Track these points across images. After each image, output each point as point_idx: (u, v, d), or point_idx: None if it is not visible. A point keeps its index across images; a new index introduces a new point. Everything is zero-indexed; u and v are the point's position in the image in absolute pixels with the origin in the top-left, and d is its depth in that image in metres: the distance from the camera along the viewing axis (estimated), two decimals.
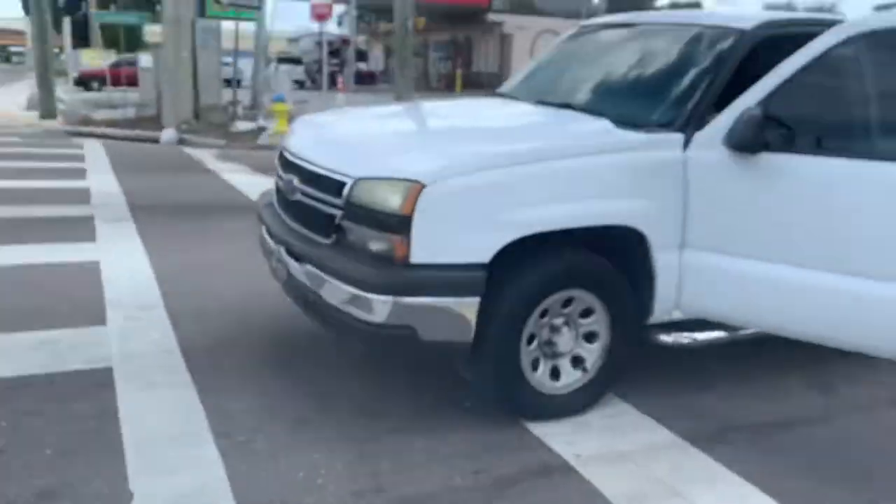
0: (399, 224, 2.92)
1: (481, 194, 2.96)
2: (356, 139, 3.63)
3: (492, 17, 41.01)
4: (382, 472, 2.85)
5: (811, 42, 3.12)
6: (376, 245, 3.01)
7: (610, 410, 3.42)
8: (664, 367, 3.83)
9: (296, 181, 3.49)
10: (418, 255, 2.93)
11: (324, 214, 3.25)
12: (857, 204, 2.96)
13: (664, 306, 3.42)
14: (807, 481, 2.92)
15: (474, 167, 2.97)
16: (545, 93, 4.18)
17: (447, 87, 39.41)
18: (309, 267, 3.24)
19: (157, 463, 2.83)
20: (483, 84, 41.04)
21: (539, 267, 3.11)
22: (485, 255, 2.97)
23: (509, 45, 40.72)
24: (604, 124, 3.42)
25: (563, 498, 2.75)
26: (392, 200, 2.94)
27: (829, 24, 3.59)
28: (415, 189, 2.89)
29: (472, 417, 3.31)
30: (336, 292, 3.08)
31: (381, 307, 2.95)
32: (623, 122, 3.42)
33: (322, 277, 3.15)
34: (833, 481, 2.93)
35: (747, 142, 3.02)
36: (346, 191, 3.10)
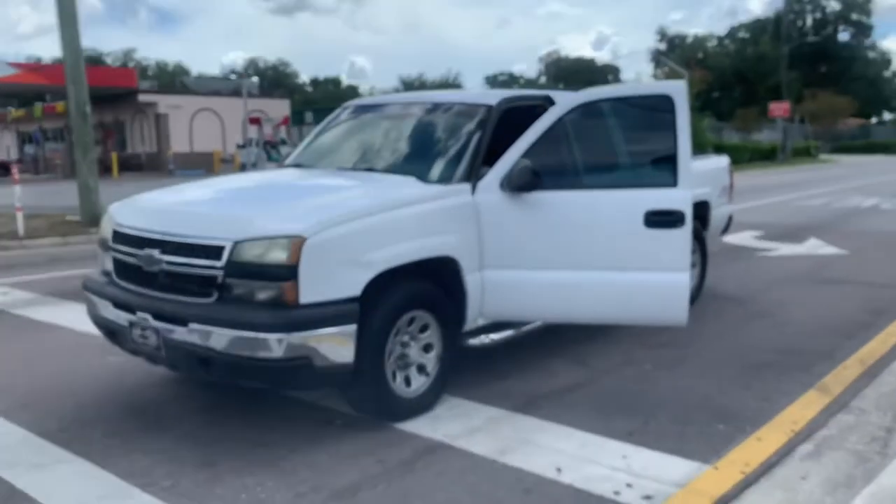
0: (287, 272, 3.54)
1: (349, 241, 3.71)
2: (209, 209, 4.12)
3: (143, 98, 39.90)
4: (309, 478, 3.40)
5: (549, 110, 4.44)
6: (266, 293, 3.58)
7: (449, 404, 4.31)
8: (474, 365, 4.83)
9: (156, 253, 3.85)
10: (306, 295, 3.57)
11: (200, 277, 3.70)
12: (589, 220, 4.30)
13: (473, 315, 4.44)
14: (598, 419, 4.09)
15: (339, 220, 3.72)
16: (340, 161, 5.03)
17: (102, 171, 37.13)
18: (195, 325, 3.65)
19: None
20: (143, 166, 39.61)
21: (392, 294, 3.93)
22: (357, 289, 3.71)
23: (166, 124, 39.93)
24: (412, 180, 4.38)
25: (454, 463, 3.57)
26: (278, 254, 3.55)
27: (544, 98, 5.03)
28: (298, 242, 3.54)
29: (349, 430, 3.96)
30: (231, 340, 3.56)
31: (278, 344, 3.51)
32: (420, 179, 4.42)
33: (212, 331, 3.60)
34: (614, 415, 4.15)
35: (524, 184, 4.21)
36: (225, 253, 3.62)
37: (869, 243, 10.52)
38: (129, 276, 4.09)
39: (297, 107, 50.57)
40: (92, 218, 13.89)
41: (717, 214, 7.01)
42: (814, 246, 10.22)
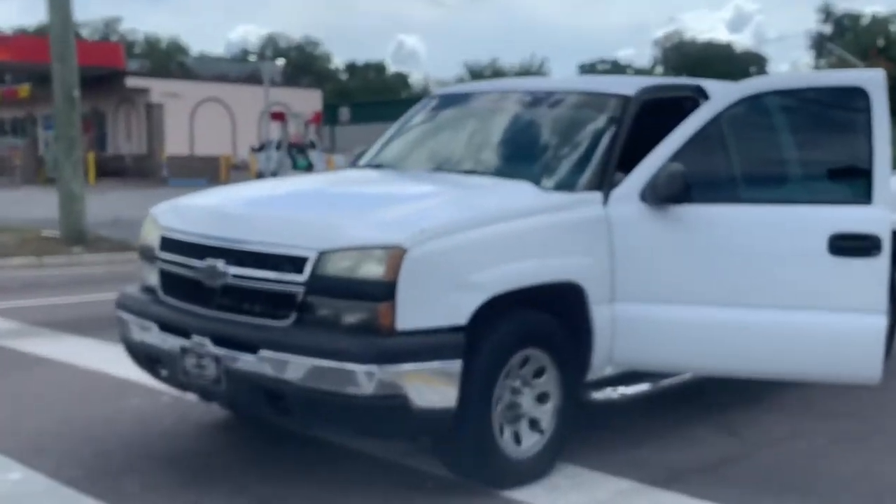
0: (383, 291, 3.95)
1: (456, 256, 4.11)
2: (286, 211, 4.59)
3: (132, 82, 41.32)
4: None
5: (704, 104, 4.81)
6: (356, 315, 4.00)
7: (568, 471, 4.64)
8: (595, 426, 5.15)
9: (220, 265, 4.31)
10: (404, 321, 3.97)
11: (275, 294, 4.15)
12: (754, 244, 4.61)
13: (600, 360, 4.78)
14: (767, 498, 4.37)
15: (446, 230, 4.13)
16: (431, 162, 5.48)
17: None
18: (267, 352, 4.08)
19: None
20: (127, 171, 40.61)
21: (503, 326, 4.30)
22: (463, 316, 4.10)
23: (160, 117, 41.14)
24: (526, 186, 4.78)
25: None
26: (373, 268, 3.98)
27: (694, 89, 5.41)
28: (397, 254, 3.96)
29: (441, 495, 4.33)
30: (310, 371, 3.98)
31: (367, 379, 3.91)
32: (537, 184, 4.82)
33: (288, 360, 4.02)
34: (787, 495, 4.41)
35: (674, 195, 4.55)
36: (308, 265, 4.06)
37: None
38: (183, 292, 4.55)
39: (330, 99, 51.58)
40: (76, 234, 14.70)
41: None
42: None
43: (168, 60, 53.99)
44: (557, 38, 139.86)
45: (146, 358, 4.75)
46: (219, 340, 4.26)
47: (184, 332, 4.42)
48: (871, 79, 4.61)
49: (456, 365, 4.06)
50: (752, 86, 4.90)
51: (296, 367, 4.02)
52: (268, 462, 4.74)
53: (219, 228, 4.47)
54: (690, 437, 5.25)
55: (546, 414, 4.58)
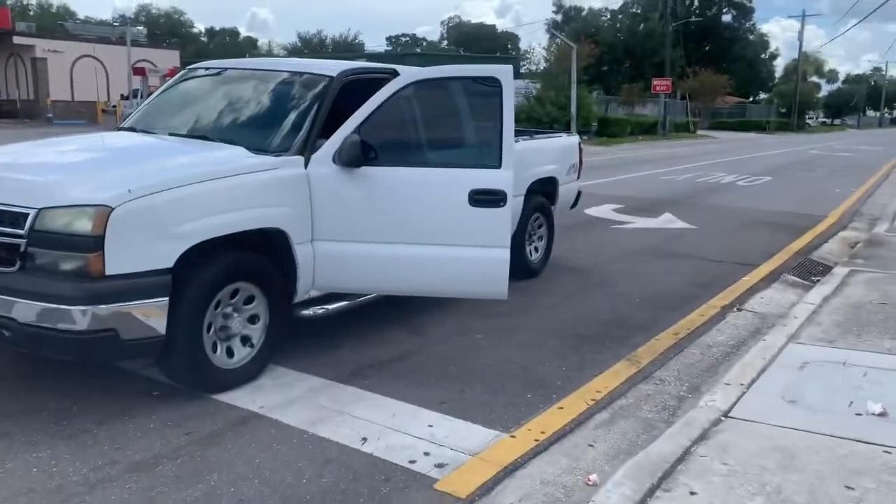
0: (93, 243, 3.41)
1: (160, 212, 3.61)
2: (15, 172, 3.86)
3: (18, 40, 37.10)
4: (108, 451, 3.34)
5: (385, 86, 4.43)
6: (71, 263, 3.44)
7: (276, 373, 4.31)
8: (306, 336, 4.83)
9: None
10: (112, 267, 3.46)
11: (5, 245, 3.52)
12: (416, 196, 4.35)
13: (304, 287, 4.43)
14: (417, 388, 4.20)
15: (150, 189, 3.60)
16: (176, 126, 4.86)
17: None
18: None
19: None
20: (18, 113, 37.07)
21: (212, 266, 3.86)
22: (169, 261, 3.63)
23: (44, 69, 37.38)
24: (242, 150, 4.29)
25: (262, 434, 3.58)
26: (83, 224, 3.42)
27: (390, 72, 5.02)
28: (103, 212, 3.42)
29: (164, 401, 3.90)
30: (34, 311, 3.42)
31: (82, 316, 3.40)
32: (252, 148, 4.34)
33: (14, 301, 3.44)
34: (433, 384, 4.26)
35: (353, 159, 4.19)
36: (28, 221, 3.45)
37: (717, 218, 11.14)
38: None
39: (189, 58, 48.38)
40: None
41: (566, 190, 7.23)
42: (666, 220, 10.72)
43: (56, 24, 48.62)
44: (372, 17, 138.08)
45: None
46: None
47: None
48: (503, 70, 4.38)
49: (163, 301, 3.61)
50: (421, 72, 4.57)
51: (21, 308, 3.45)
52: (25, 380, 4.15)
53: None
54: (385, 339, 5.03)
55: (257, 332, 4.21)
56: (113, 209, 3.44)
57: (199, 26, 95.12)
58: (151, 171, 3.84)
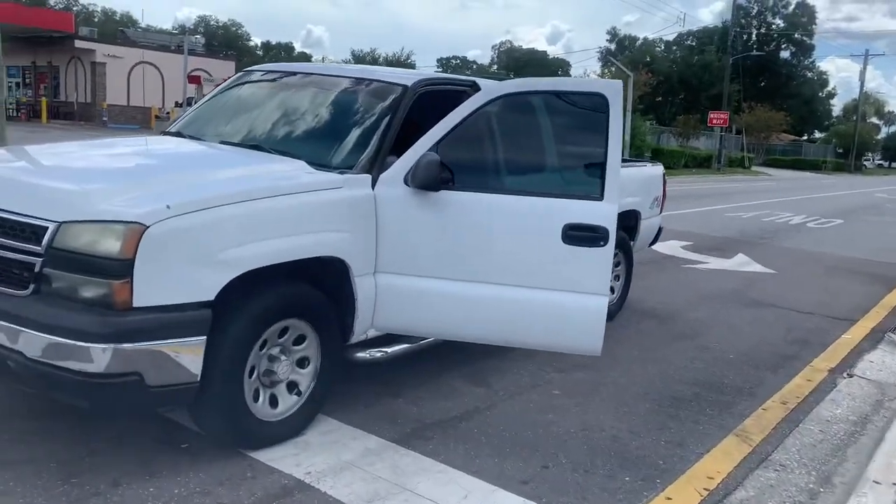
0: (119, 268, 2.80)
1: (203, 234, 2.99)
2: (37, 177, 3.29)
3: (80, 44, 37.62)
4: None
5: (468, 99, 3.78)
6: (93, 291, 2.84)
7: (323, 427, 3.65)
8: (358, 382, 4.17)
9: None
10: (141, 297, 2.84)
11: (15, 263, 2.94)
12: (499, 228, 3.67)
13: (362, 326, 3.78)
14: (491, 458, 3.51)
15: (194, 207, 2.99)
16: (227, 134, 4.26)
17: (30, 116, 34.97)
18: (3, 323, 2.89)
19: None
20: (75, 115, 37.55)
21: (259, 300, 3.23)
22: (209, 293, 3.01)
23: (102, 74, 37.82)
24: (301, 165, 3.67)
25: None
26: (111, 244, 2.81)
27: (470, 84, 4.38)
28: (135, 231, 2.81)
29: (195, 457, 3.27)
30: (43, 345, 2.82)
31: (101, 355, 2.79)
32: (313, 163, 3.72)
33: (20, 331, 2.85)
34: (510, 454, 3.56)
35: (429, 181, 3.53)
36: (46, 236, 2.86)
37: (794, 263, 10.26)
38: None
39: (245, 67, 48.79)
40: None
41: (647, 226, 6.50)
42: (741, 262, 9.88)
43: (117, 30, 49.42)
44: (424, 38, 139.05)
45: None
46: None
47: None
48: (611, 86, 3.69)
49: (199, 341, 2.98)
50: (513, 84, 3.91)
51: (28, 339, 2.84)
52: (36, 418, 3.55)
53: None
54: (445, 389, 4.35)
55: (305, 377, 3.57)
56: (147, 227, 2.82)
57: (256, 40, 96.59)
58: (196, 185, 3.24)
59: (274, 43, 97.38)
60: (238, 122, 4.41)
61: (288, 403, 3.51)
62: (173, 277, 2.92)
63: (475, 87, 4.40)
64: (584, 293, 3.64)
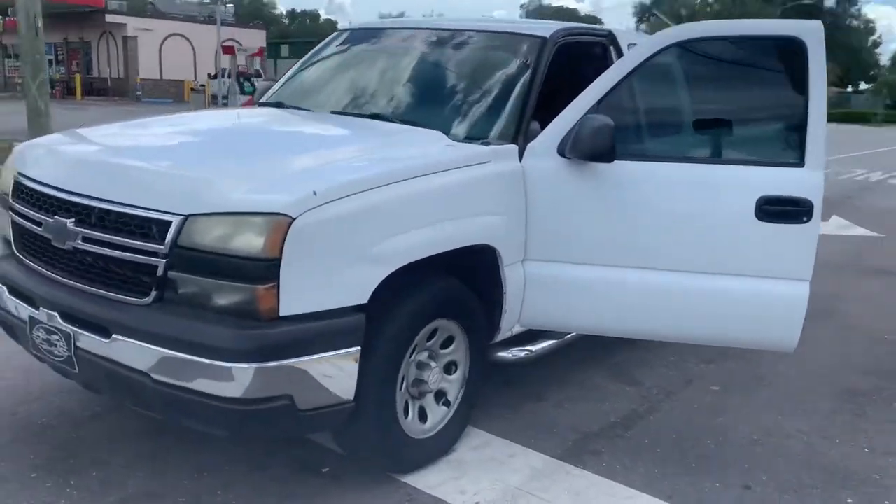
0: (264, 269, 2.29)
1: (354, 224, 2.47)
2: (151, 161, 2.75)
3: (111, 18, 37.29)
4: None
5: (632, 50, 3.18)
6: (231, 298, 2.33)
7: (472, 441, 3.15)
8: (491, 383, 3.67)
9: (70, 223, 2.57)
10: (289, 305, 2.34)
11: (131, 264, 2.45)
12: (677, 204, 3.08)
13: (509, 323, 3.25)
14: (679, 477, 2.98)
15: (343, 191, 2.46)
16: (335, 103, 3.71)
17: (64, 94, 34.81)
18: (121, 337, 2.41)
19: None
20: (109, 91, 37.44)
21: (411, 300, 2.72)
22: (363, 295, 2.50)
23: (134, 48, 37.52)
24: (439, 136, 3.12)
25: None
26: (251, 241, 2.30)
27: (606, 35, 3.78)
28: (281, 225, 2.29)
29: (342, 484, 2.79)
30: (173, 366, 2.33)
31: (245, 377, 2.29)
32: (448, 134, 3.17)
33: (144, 348, 2.36)
34: (699, 472, 3.04)
35: (601, 150, 2.94)
36: (170, 232, 2.36)
37: None
38: (34, 250, 2.81)
39: (273, 38, 48.21)
40: None
41: None
42: (841, 225, 9.17)
43: (145, 2, 48.83)
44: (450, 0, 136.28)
45: (2, 322, 3.00)
46: (67, 315, 2.56)
47: (30, 301, 2.69)
48: (809, 28, 3.01)
49: (354, 352, 2.48)
50: (686, 30, 3.23)
51: (153, 359, 2.36)
52: (151, 438, 3.10)
53: (72, 179, 2.68)
54: (591, 388, 3.82)
55: (454, 384, 3.06)
56: (293, 219, 2.31)
57: (281, 8, 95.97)
58: (336, 164, 2.69)
59: (299, 11, 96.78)
60: (346, 89, 3.83)
61: (437, 416, 3.01)
62: (323, 278, 2.40)
63: (611, 37, 3.80)
64: (782, 279, 3.05)
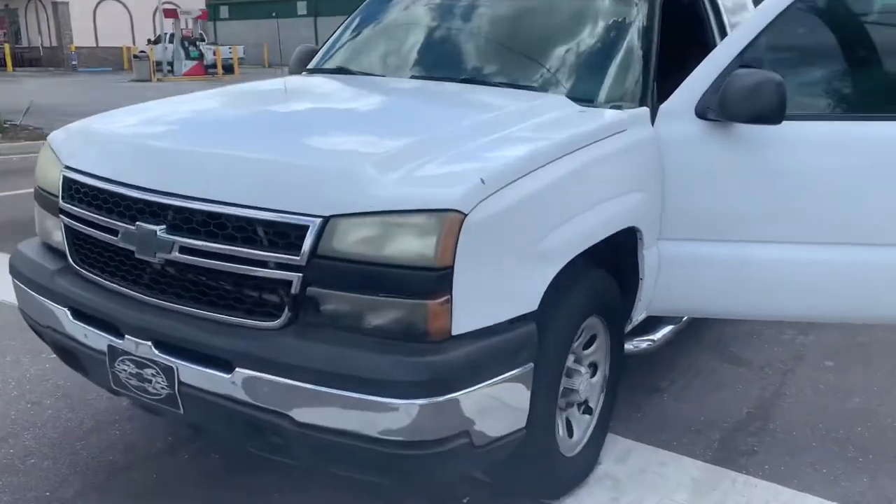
0: (435, 280, 1.84)
1: (522, 217, 2.02)
2: (259, 148, 2.17)
3: None
4: None
5: None
6: (391, 315, 1.87)
7: (614, 450, 2.78)
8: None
9: (161, 231, 2.06)
10: (462, 321, 1.89)
11: (257, 280, 1.96)
12: (839, 168, 2.69)
13: (640, 311, 2.86)
14: (852, 476, 2.67)
15: (507, 178, 2.00)
16: (421, 66, 3.18)
17: None
18: (246, 371, 1.93)
19: None
20: (41, 61, 35.49)
21: (570, 300, 2.29)
22: (533, 300, 2.07)
23: (66, 14, 35.42)
24: (565, 101, 2.67)
25: None
26: (416, 245, 1.84)
27: None
28: (454, 223, 1.83)
29: None
30: (319, 405, 1.87)
31: (414, 414, 1.85)
32: (574, 99, 2.72)
33: (281, 384, 1.89)
34: (867, 469, 2.73)
35: (770, 111, 2.51)
36: (309, 239, 1.88)
37: None
38: (105, 264, 2.27)
39: (213, 2, 46.27)
40: None
41: None
42: None
43: None
44: None
45: (60, 349, 2.48)
46: (166, 346, 2.06)
47: (111, 328, 2.18)
48: None
49: (528, 371, 2.05)
50: None
51: (294, 396, 1.89)
52: (236, 474, 2.64)
53: (152, 173, 2.15)
54: (708, 373, 3.48)
55: (595, 388, 2.67)
56: (465, 216, 1.85)
57: None
58: (485, 145, 2.21)
59: None
60: (424, 49, 3.28)
61: (582, 427, 2.61)
62: (495, 284, 1.96)
63: None
64: None
